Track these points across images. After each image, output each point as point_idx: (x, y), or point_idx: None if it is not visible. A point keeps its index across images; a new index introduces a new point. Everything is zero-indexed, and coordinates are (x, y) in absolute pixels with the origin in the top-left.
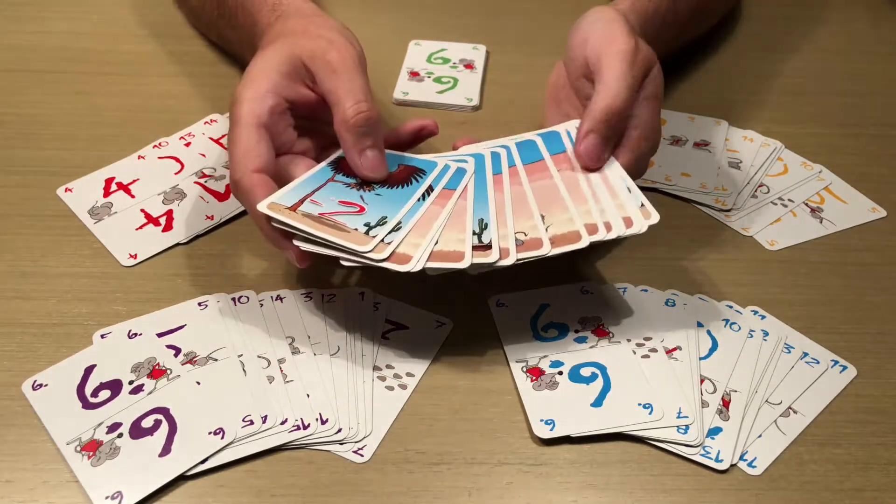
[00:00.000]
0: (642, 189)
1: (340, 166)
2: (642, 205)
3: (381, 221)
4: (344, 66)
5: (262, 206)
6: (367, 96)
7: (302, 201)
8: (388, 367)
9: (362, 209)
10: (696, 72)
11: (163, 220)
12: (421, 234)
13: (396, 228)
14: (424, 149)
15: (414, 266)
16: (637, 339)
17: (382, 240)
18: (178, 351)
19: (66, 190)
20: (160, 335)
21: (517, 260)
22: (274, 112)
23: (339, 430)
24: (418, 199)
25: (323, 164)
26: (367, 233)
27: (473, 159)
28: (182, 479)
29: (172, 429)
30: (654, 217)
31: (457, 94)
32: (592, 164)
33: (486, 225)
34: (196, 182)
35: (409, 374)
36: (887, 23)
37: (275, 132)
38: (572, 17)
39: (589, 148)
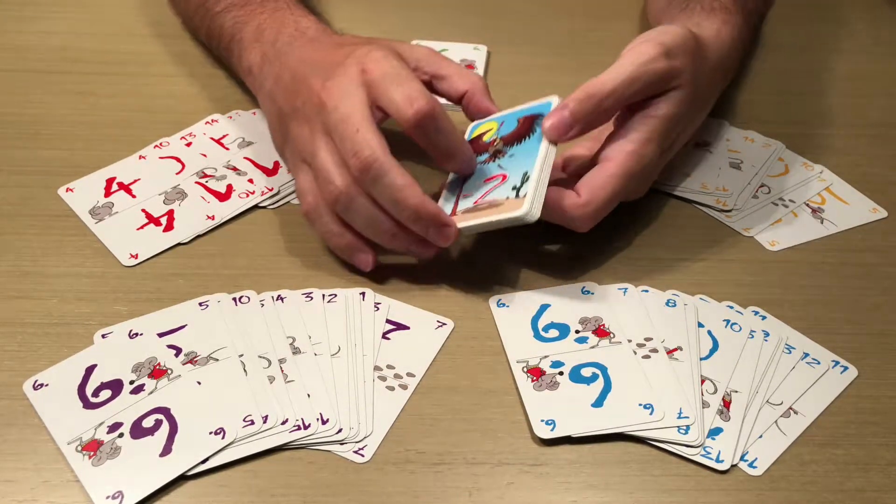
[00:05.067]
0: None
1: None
2: (523, 194)
3: (525, 178)
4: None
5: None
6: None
7: (457, 201)
8: (389, 367)
9: (505, 177)
10: None
11: (164, 220)
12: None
13: (527, 178)
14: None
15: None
16: (638, 339)
17: (524, 195)
18: (178, 351)
19: (67, 190)
20: (161, 335)
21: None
22: None
23: (340, 430)
24: (545, 146)
25: None
26: (516, 196)
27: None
28: (183, 478)
29: (173, 429)
30: (521, 210)
31: None
32: (552, 138)
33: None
34: (197, 182)
35: (409, 375)
36: (887, 23)
37: None
38: (574, 17)
39: (554, 122)
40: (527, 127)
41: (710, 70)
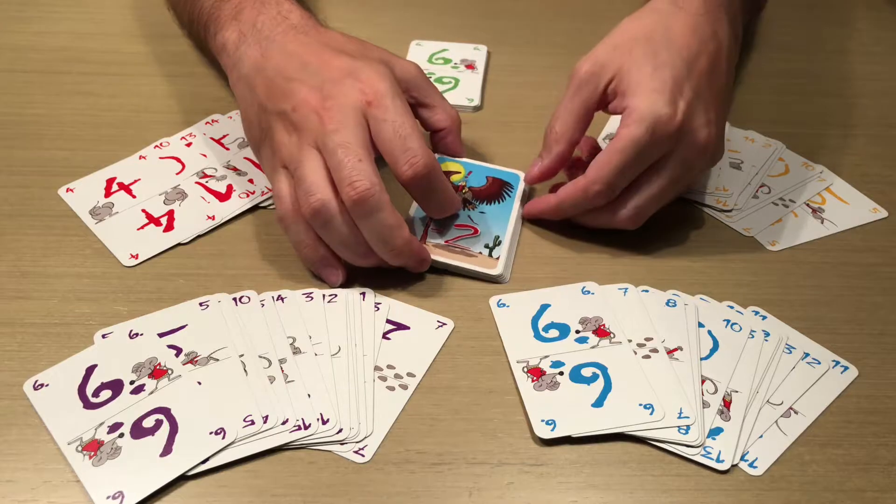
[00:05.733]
0: None
1: None
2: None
3: (497, 242)
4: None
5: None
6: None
7: (426, 232)
8: (390, 367)
9: (476, 231)
10: None
11: (164, 220)
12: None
13: (499, 243)
14: None
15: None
16: (638, 339)
17: (497, 257)
18: (179, 351)
19: (68, 190)
20: (161, 335)
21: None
22: None
23: (340, 430)
24: (516, 217)
25: None
26: (489, 255)
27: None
28: (183, 478)
29: (173, 429)
30: (495, 270)
31: (458, 95)
32: (538, 179)
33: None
34: (197, 182)
35: (409, 375)
36: (887, 23)
37: None
38: (574, 17)
39: (532, 170)
40: (497, 189)
41: (669, 9)
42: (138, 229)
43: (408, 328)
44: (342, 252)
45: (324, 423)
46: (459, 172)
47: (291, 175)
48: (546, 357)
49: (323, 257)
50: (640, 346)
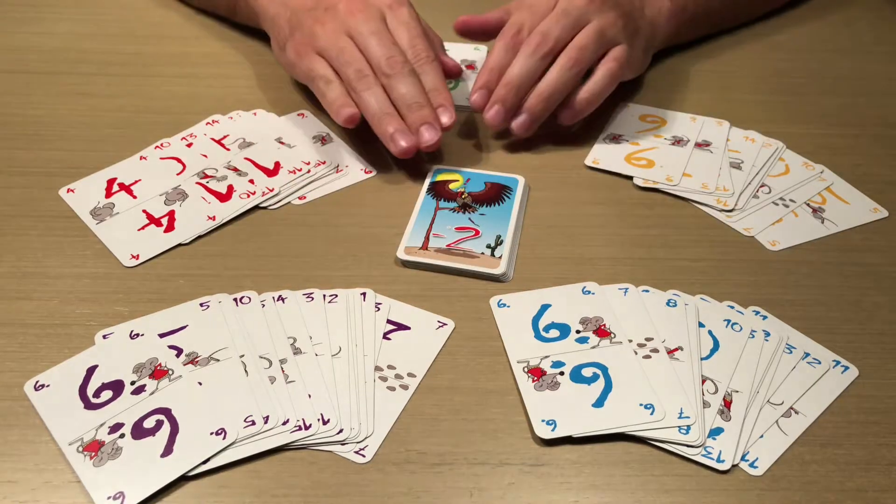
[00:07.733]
0: (643, 190)
1: (437, 193)
2: (499, 255)
3: (499, 241)
4: None
5: (401, 254)
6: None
7: (427, 238)
8: (390, 367)
9: (477, 232)
10: (698, 72)
11: (164, 221)
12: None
13: (501, 242)
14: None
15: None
16: (638, 339)
17: (500, 256)
18: (179, 351)
19: (68, 191)
20: (162, 336)
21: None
22: None
23: (341, 431)
24: (516, 217)
25: (422, 194)
26: (492, 254)
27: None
28: (184, 479)
29: (174, 429)
30: (498, 269)
31: (458, 95)
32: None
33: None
34: (198, 183)
35: (410, 375)
36: (887, 23)
37: None
38: None
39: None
40: (496, 192)
41: None
42: (139, 230)
43: (408, 328)
44: (374, 111)
45: (324, 423)
46: (458, 180)
47: (327, 59)
48: (546, 357)
49: (348, 101)
50: (641, 346)
